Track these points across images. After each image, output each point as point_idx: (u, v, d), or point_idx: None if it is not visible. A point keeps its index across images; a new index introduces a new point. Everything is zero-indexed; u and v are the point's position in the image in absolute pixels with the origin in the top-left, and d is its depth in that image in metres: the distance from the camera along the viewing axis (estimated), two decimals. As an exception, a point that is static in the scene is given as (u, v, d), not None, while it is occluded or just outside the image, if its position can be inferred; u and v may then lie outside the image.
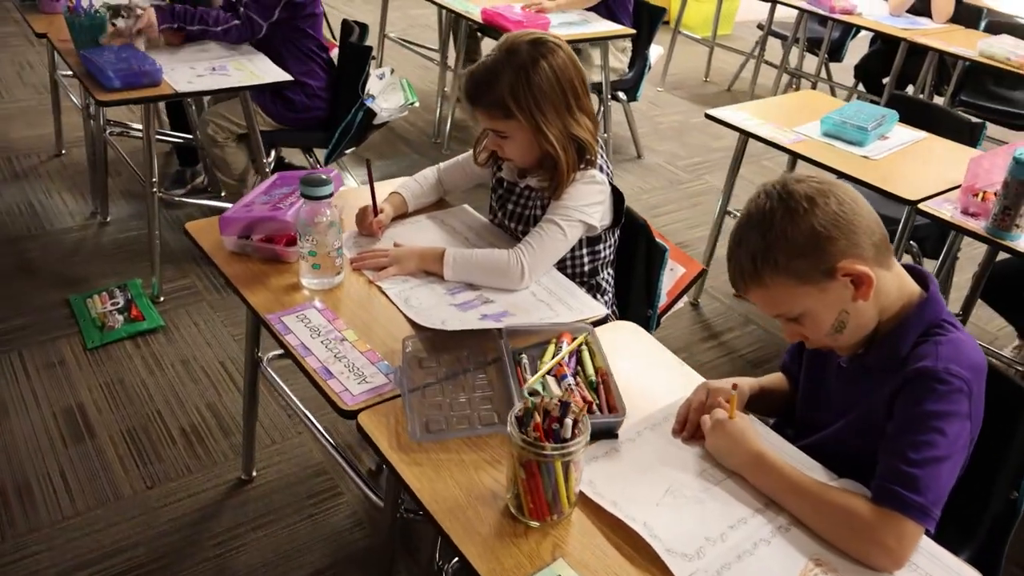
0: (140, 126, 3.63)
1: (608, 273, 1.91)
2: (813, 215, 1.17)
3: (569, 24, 3.55)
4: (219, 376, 2.53)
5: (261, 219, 1.67)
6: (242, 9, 2.84)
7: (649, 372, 1.48)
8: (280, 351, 2.05)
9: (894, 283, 1.24)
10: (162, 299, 2.86)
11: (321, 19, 3.09)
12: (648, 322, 1.97)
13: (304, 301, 1.58)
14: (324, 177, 1.55)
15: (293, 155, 3.61)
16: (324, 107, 3.10)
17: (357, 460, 2.26)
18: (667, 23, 5.36)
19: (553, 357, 1.43)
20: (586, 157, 1.70)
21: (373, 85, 3.15)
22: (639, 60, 4.02)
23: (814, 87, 5.23)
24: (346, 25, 3.24)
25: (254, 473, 2.18)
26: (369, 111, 3.10)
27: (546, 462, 1.08)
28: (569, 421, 1.07)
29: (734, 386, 1.32)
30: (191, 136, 3.54)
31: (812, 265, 1.18)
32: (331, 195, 1.56)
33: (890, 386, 1.21)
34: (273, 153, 3.07)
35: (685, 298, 2.13)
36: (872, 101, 4.61)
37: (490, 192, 1.93)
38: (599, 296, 1.88)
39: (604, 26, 3.61)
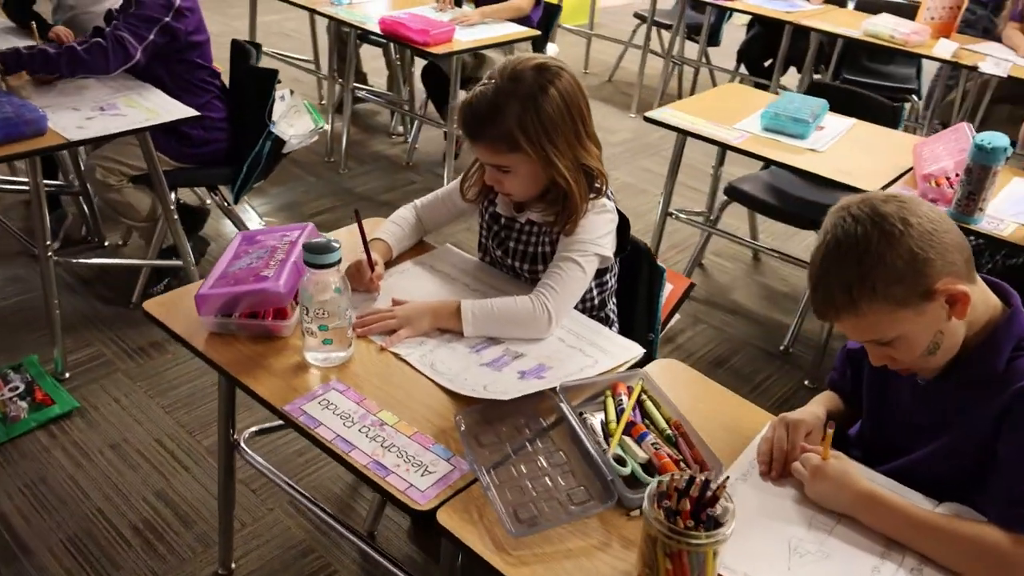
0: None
1: (613, 302, 1.84)
2: (909, 236, 1.14)
3: (473, 28, 3.44)
4: (160, 458, 2.28)
5: (249, 293, 1.48)
6: (108, 30, 2.55)
7: (710, 412, 1.42)
8: (259, 427, 1.90)
9: (980, 297, 1.23)
10: (68, 376, 2.55)
11: (209, 46, 2.84)
12: (651, 347, 1.92)
13: (319, 383, 1.42)
14: (329, 241, 1.39)
15: (186, 195, 3.33)
16: (225, 139, 2.85)
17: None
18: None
19: (617, 412, 1.35)
20: (595, 186, 1.62)
21: (275, 110, 2.93)
22: (537, 60, 3.96)
23: (696, 73, 5.37)
24: (238, 47, 3.00)
25: (233, 566, 1.97)
26: (277, 140, 2.88)
27: (697, 551, 1.00)
28: (730, 506, 0.99)
29: (829, 424, 1.28)
30: (62, 183, 3.19)
31: (910, 289, 1.15)
32: (339, 261, 1.40)
33: (991, 405, 1.20)
34: (172, 196, 2.79)
35: (677, 315, 2.09)
36: (757, 84, 4.79)
37: (481, 229, 1.81)
38: (611, 328, 1.80)
39: (508, 28, 3.52)
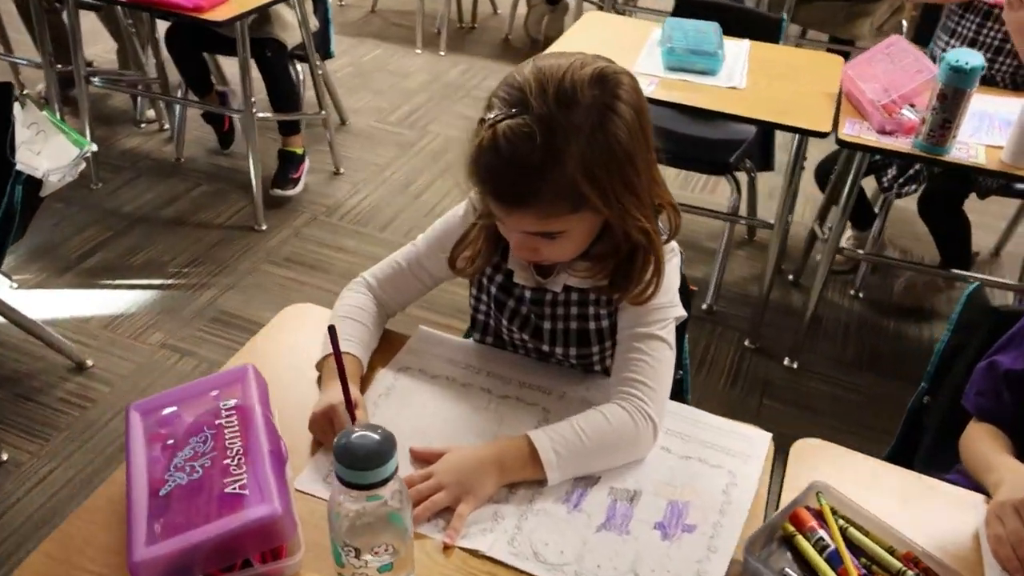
0: None
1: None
2: None
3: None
4: None
5: (225, 537, 0.91)
6: None
7: (892, 506, 1.10)
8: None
9: None
10: None
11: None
12: (681, 386, 1.56)
13: (392, 648, 0.91)
14: (376, 433, 0.85)
15: None
16: (-42, 197, 2.03)
17: None
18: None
19: (829, 559, 0.98)
20: (661, 226, 1.18)
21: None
22: (319, 6, 3.31)
23: (474, -8, 4.90)
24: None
25: None
26: (30, 180, 2.10)
27: None
28: None
29: None
30: None
31: None
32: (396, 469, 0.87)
33: None
34: None
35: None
36: (549, 2, 4.43)
37: (480, 304, 1.32)
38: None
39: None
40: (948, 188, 2.45)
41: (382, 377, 1.25)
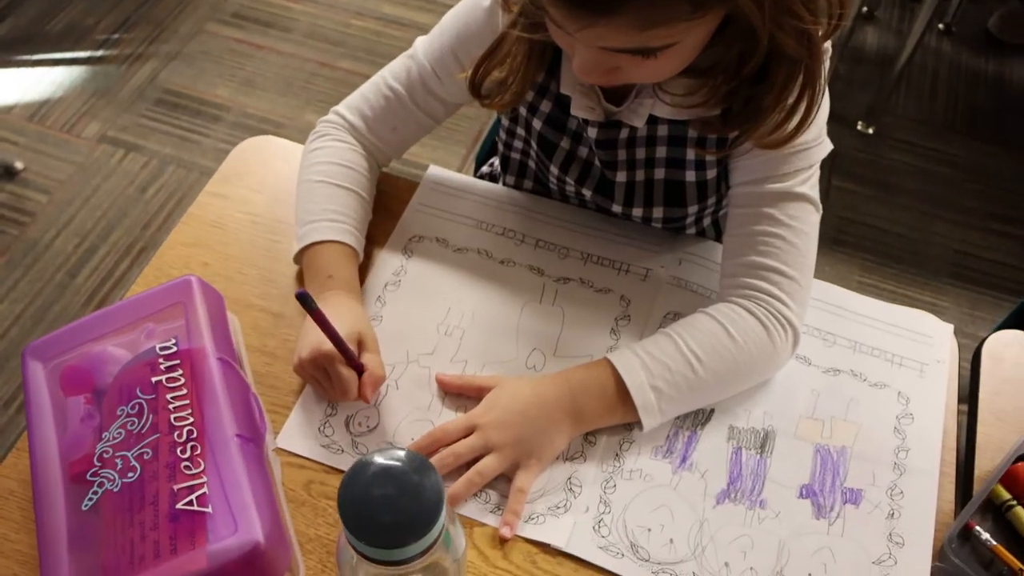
0: None
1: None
2: None
3: None
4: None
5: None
6: None
7: None
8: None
9: None
10: None
11: None
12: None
13: None
14: (408, 478, 0.54)
15: None
16: None
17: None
18: None
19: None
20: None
21: None
22: None
23: None
24: None
25: None
26: None
27: None
28: None
29: None
30: None
31: None
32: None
33: None
34: None
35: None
36: None
37: (514, 138, 0.95)
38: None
39: None
40: None
41: (386, 259, 0.91)
